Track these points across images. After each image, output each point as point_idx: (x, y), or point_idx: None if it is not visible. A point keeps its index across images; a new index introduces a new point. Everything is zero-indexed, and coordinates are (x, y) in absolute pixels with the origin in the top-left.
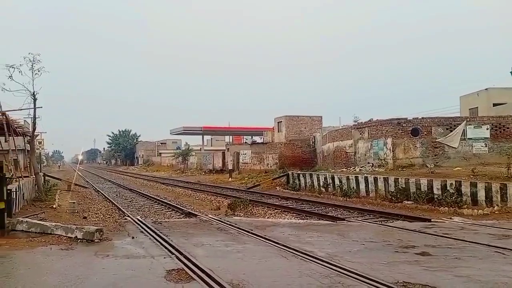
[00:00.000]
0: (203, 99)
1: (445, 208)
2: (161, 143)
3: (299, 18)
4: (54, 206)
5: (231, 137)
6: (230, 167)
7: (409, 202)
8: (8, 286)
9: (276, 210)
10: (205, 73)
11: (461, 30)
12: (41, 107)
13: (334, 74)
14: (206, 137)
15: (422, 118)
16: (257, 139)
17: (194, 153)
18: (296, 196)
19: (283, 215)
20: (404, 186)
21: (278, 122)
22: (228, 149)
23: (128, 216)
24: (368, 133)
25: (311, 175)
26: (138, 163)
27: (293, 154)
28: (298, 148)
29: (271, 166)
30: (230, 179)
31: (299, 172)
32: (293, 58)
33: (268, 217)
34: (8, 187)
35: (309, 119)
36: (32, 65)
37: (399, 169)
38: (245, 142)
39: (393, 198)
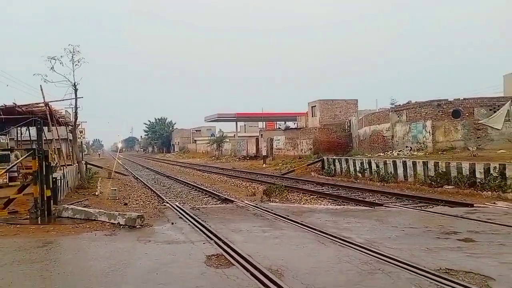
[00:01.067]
0: (237, 86)
1: (488, 192)
2: (196, 131)
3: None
4: (96, 193)
5: (264, 123)
6: (264, 153)
7: (449, 187)
8: (57, 271)
9: (311, 196)
10: (238, 61)
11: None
12: (82, 97)
13: (369, 56)
14: (240, 124)
15: (464, 99)
16: (291, 124)
17: (228, 140)
18: (332, 181)
19: (319, 201)
20: (444, 170)
21: (312, 107)
22: (261, 135)
23: (167, 202)
24: (407, 116)
25: (347, 160)
26: (174, 150)
27: (328, 139)
28: (333, 132)
29: (305, 152)
30: (264, 165)
31: (334, 157)
32: (325, 42)
33: (304, 203)
34: (53, 175)
35: (344, 102)
36: (72, 56)
37: (439, 152)
38: (279, 128)
39: (432, 182)
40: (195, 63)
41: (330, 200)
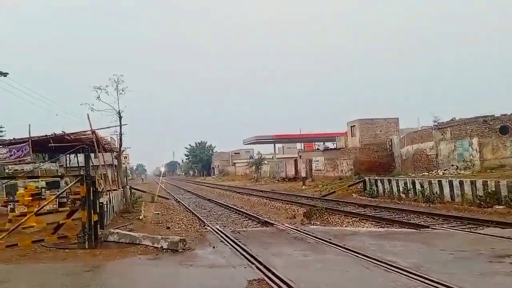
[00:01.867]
0: (275, 108)
1: None
2: (235, 153)
3: (363, 9)
4: (140, 217)
5: (302, 144)
6: (303, 174)
7: (500, 207)
8: None
9: (353, 218)
10: (274, 81)
11: None
12: (126, 124)
13: (410, 71)
14: (278, 146)
15: None
16: (330, 145)
17: (266, 162)
18: (374, 203)
19: (362, 223)
20: (494, 189)
21: (351, 127)
22: (300, 156)
23: (208, 225)
24: (451, 133)
25: (389, 181)
26: (214, 173)
27: (368, 159)
28: (374, 152)
29: (345, 173)
30: (303, 187)
31: (376, 177)
32: (364, 58)
33: (345, 226)
34: (100, 200)
35: (384, 121)
36: (116, 86)
37: (487, 171)
38: (317, 149)
39: (481, 202)
40: (234, 84)
41: (373, 223)
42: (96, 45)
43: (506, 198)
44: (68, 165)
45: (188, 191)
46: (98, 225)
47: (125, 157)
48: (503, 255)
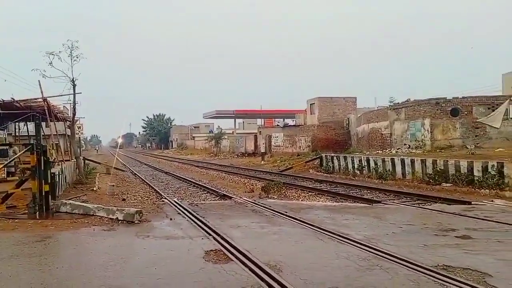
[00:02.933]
0: (235, 83)
1: (486, 190)
2: (194, 127)
3: None
4: (94, 189)
5: (263, 120)
6: (262, 150)
7: (447, 185)
8: (56, 265)
9: (310, 193)
10: (237, 58)
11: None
12: (80, 93)
13: (368, 53)
14: (238, 121)
15: (463, 97)
16: (289, 122)
17: (226, 137)
18: (330, 179)
19: (318, 197)
20: (442, 168)
21: (310, 104)
22: (260, 132)
23: (165, 198)
24: (405, 114)
25: (345, 158)
26: (172, 146)
27: (326, 137)
28: (332, 130)
29: (303, 149)
30: (262, 162)
31: (332, 154)
32: (323, 38)
33: (302, 200)
34: (52, 171)
35: (343, 100)
36: (71, 52)
37: (437, 150)
38: (277, 125)
39: (430, 180)
40: (194, 57)
41: (329, 197)
42: (48, 7)
43: (453, 177)
44: (17, 134)
45: (145, 164)
46: (50, 196)
47: (79, 127)
48: (448, 229)
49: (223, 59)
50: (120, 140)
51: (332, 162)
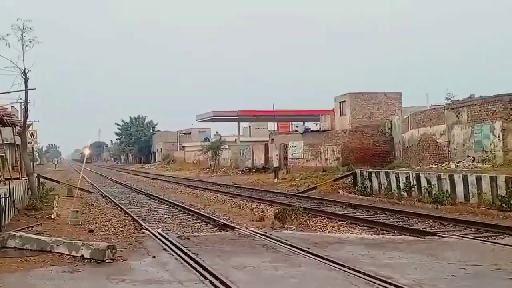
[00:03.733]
0: (238, 76)
1: None
2: (185, 134)
3: None
4: (52, 216)
5: (276, 124)
6: (275, 164)
7: None
8: None
9: (340, 222)
10: (240, 47)
11: None
12: (34, 89)
13: (419, 41)
14: (243, 125)
15: None
16: (312, 126)
17: (227, 146)
18: (367, 202)
19: (351, 228)
20: None
21: (340, 102)
22: (272, 140)
23: (147, 229)
24: (468, 115)
25: (387, 174)
26: (155, 159)
27: (361, 146)
28: (369, 137)
29: (330, 163)
30: (275, 181)
31: (370, 170)
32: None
33: (329, 231)
34: None
35: (383, 96)
36: (22, 35)
37: None
38: (295, 131)
39: (504, 205)
40: (183, 45)
41: (365, 228)
42: None
43: None
44: None
45: (119, 183)
46: None
47: (32, 134)
48: None
49: (220, 44)
50: (87, 151)
51: (370, 181)
